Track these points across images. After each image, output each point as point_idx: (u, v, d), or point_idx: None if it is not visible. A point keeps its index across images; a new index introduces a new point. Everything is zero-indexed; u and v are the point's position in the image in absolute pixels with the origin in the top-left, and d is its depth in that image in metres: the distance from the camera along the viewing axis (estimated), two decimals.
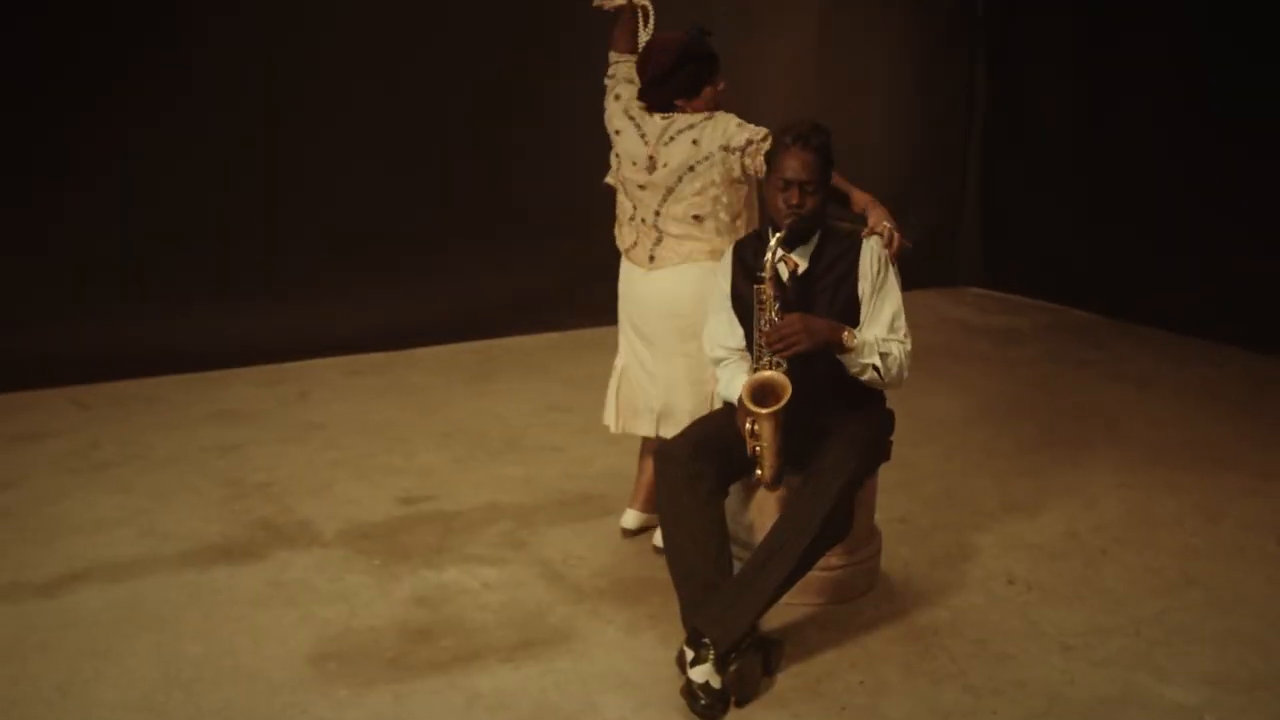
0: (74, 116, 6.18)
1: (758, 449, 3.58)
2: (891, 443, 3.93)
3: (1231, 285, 7.65)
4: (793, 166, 3.64)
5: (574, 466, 5.27)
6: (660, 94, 4.14)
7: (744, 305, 3.77)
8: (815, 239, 3.79)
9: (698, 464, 3.60)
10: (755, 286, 3.62)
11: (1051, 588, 4.14)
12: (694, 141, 4.04)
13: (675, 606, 3.58)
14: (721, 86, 4.22)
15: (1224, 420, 6.13)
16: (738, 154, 3.99)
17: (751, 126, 4.01)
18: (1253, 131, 7.39)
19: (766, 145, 3.90)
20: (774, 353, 3.55)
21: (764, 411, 3.49)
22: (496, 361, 7.09)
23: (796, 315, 3.55)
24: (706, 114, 4.12)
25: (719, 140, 4.02)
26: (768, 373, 3.57)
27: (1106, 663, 3.63)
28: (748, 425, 3.57)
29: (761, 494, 3.92)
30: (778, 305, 3.57)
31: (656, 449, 3.73)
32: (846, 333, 3.60)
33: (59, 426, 5.75)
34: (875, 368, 3.65)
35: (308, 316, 7.02)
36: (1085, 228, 8.72)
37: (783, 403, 3.48)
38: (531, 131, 7.30)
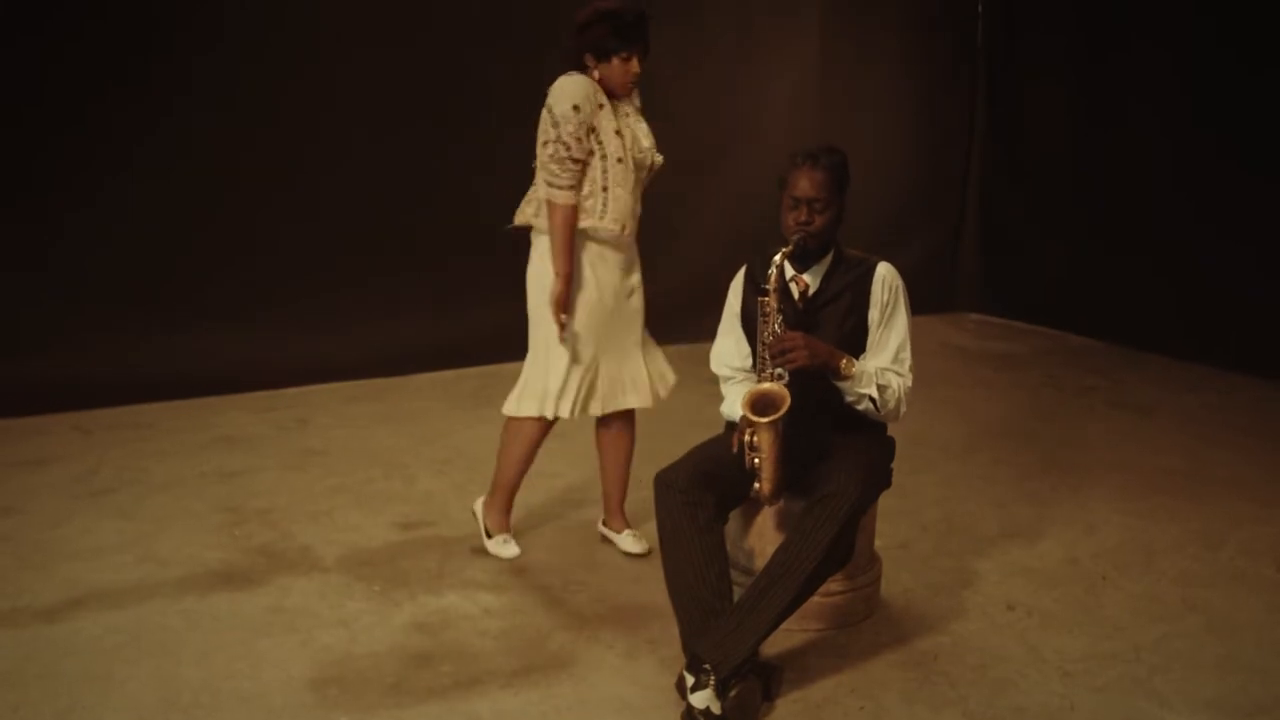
0: (75, 142, 6.21)
1: (756, 461, 3.59)
2: (892, 470, 3.93)
3: (1232, 311, 7.67)
4: (802, 185, 3.69)
5: (573, 492, 5.27)
6: (575, 45, 4.26)
7: (753, 324, 3.79)
8: (828, 261, 3.81)
9: (697, 491, 3.60)
10: (759, 299, 3.65)
11: (1052, 614, 4.13)
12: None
13: (675, 632, 3.58)
14: (634, 68, 4.28)
15: (1225, 447, 6.13)
16: None
17: None
18: (1253, 157, 7.42)
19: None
20: (774, 363, 3.58)
21: (763, 421, 3.50)
22: (496, 387, 7.01)
23: (799, 332, 3.59)
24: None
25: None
26: (768, 384, 3.58)
27: (1107, 689, 3.62)
28: (747, 437, 3.58)
29: (762, 520, 3.92)
30: (781, 318, 3.60)
31: (656, 475, 3.72)
32: (845, 360, 3.63)
33: (60, 452, 5.76)
34: (871, 399, 3.67)
35: (307, 343, 7.04)
36: (1085, 253, 8.76)
37: (782, 412, 3.50)
38: (530, 157, 7.31)
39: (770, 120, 8.58)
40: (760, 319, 3.66)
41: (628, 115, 4.35)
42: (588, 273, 4.31)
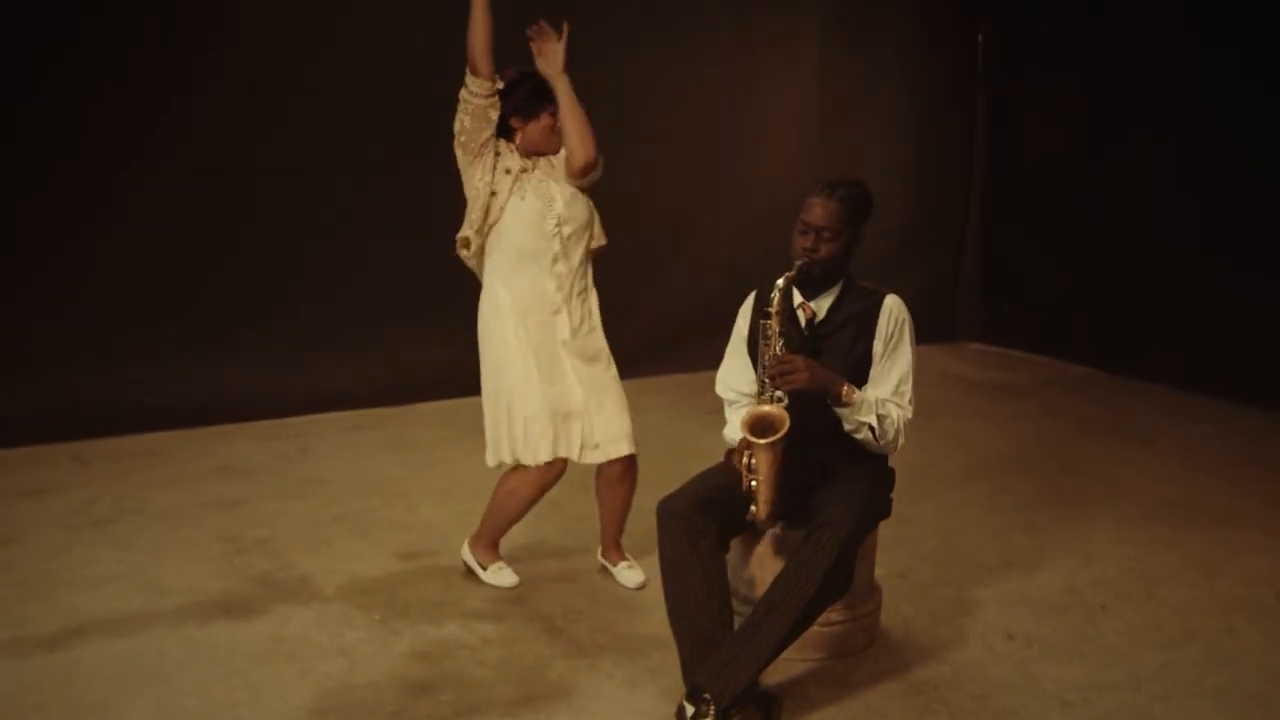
0: (74, 170, 6.25)
1: (754, 483, 3.59)
2: (891, 499, 3.93)
3: (1233, 340, 7.67)
4: (814, 212, 3.72)
5: (573, 522, 5.26)
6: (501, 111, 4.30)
7: (759, 349, 3.80)
8: (837, 290, 3.83)
9: (700, 519, 3.60)
10: (762, 321, 3.67)
11: (1052, 643, 4.13)
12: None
13: (675, 661, 3.58)
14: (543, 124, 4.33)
15: (1225, 476, 6.13)
16: None
17: None
18: (1256, 187, 7.44)
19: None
20: (775, 384, 3.59)
21: (762, 442, 3.51)
22: None
23: (801, 356, 3.60)
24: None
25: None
26: (768, 407, 3.59)
27: (1107, 718, 3.62)
28: (745, 458, 3.58)
29: (762, 548, 3.92)
30: (783, 340, 3.62)
31: (659, 504, 3.72)
32: (847, 387, 3.64)
33: (59, 482, 5.76)
34: (871, 428, 3.67)
35: (308, 372, 7.05)
36: (1085, 283, 8.77)
37: (781, 434, 3.51)
38: None
39: (770, 149, 8.62)
40: (762, 341, 3.68)
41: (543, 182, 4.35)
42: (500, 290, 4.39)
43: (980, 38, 9.53)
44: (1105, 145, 8.52)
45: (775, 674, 3.72)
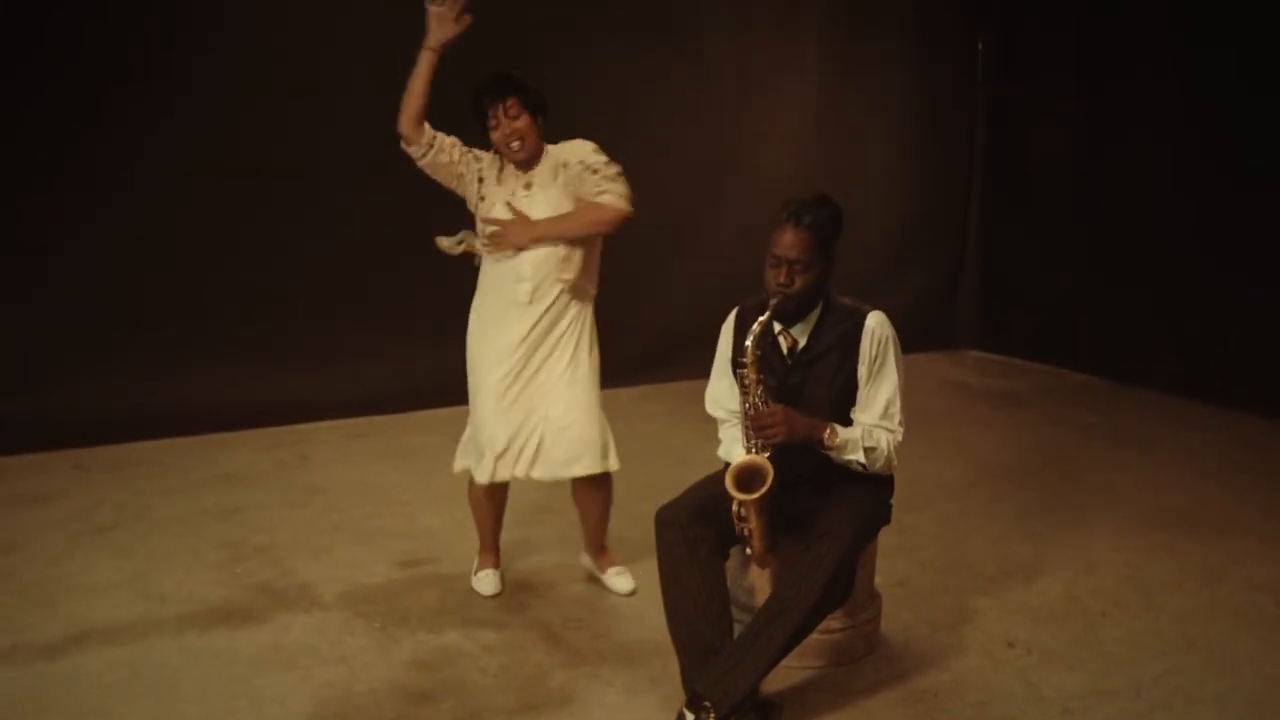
0: (74, 176, 6.25)
1: (746, 530, 3.60)
2: (891, 506, 3.93)
3: (1233, 347, 7.68)
4: (782, 244, 3.60)
5: (572, 530, 5.24)
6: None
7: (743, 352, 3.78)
8: (816, 315, 3.75)
9: (698, 527, 3.61)
10: (737, 370, 3.65)
11: (1052, 651, 4.13)
12: None
13: (675, 669, 3.59)
14: (500, 130, 4.27)
15: (1225, 484, 6.13)
16: None
17: None
18: (1257, 196, 7.44)
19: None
20: (755, 438, 3.58)
21: (749, 498, 3.50)
22: None
23: (781, 407, 3.56)
24: None
25: None
26: (750, 457, 3.57)
27: None
28: (735, 507, 3.57)
29: None
30: (760, 389, 3.59)
31: (657, 513, 3.71)
32: (828, 431, 3.59)
33: (60, 489, 5.76)
34: (860, 462, 3.66)
35: (308, 380, 7.05)
36: (1085, 290, 8.76)
37: (765, 488, 3.49)
38: None
39: (769, 158, 8.62)
40: (740, 389, 3.65)
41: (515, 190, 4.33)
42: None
43: (980, 46, 9.53)
44: (1105, 149, 8.50)
45: (775, 681, 3.72)
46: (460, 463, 4.51)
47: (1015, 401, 8.09)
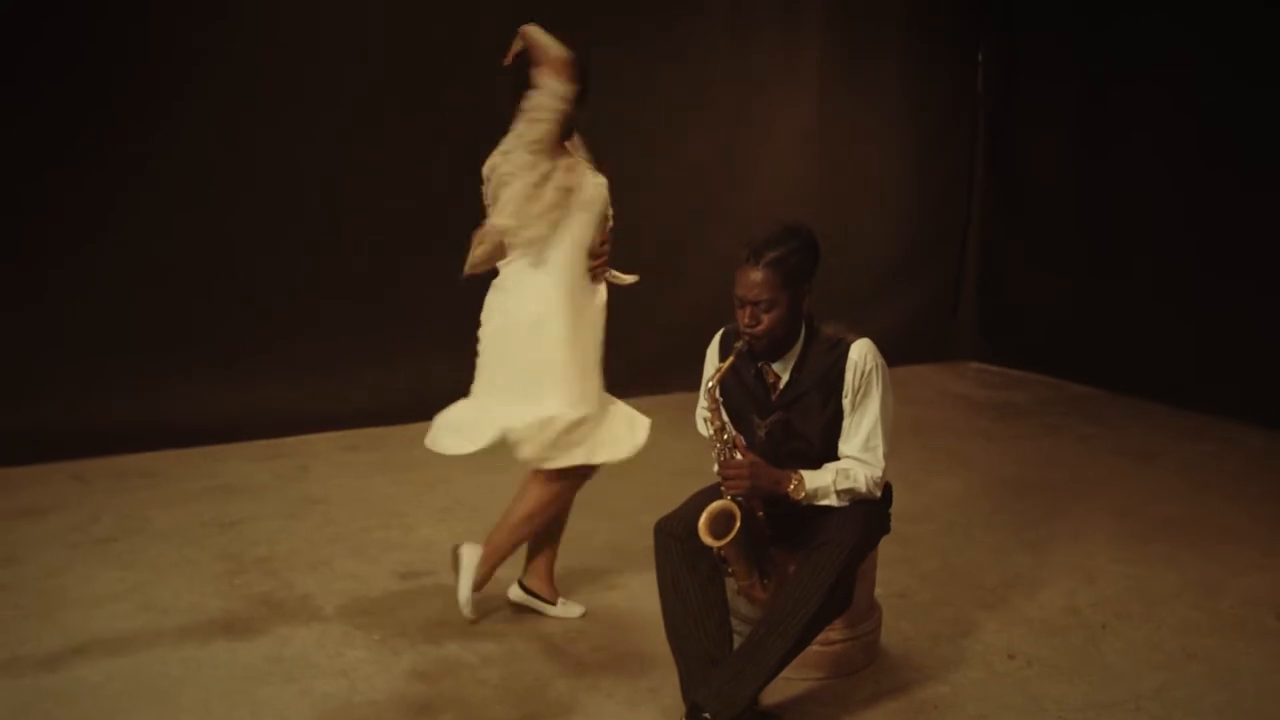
0: (73, 188, 6.25)
1: (730, 571, 3.60)
2: (890, 516, 3.93)
3: (1233, 359, 7.68)
4: (743, 284, 3.53)
5: (572, 541, 5.23)
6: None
7: (727, 394, 3.75)
8: (798, 349, 3.68)
9: (697, 539, 3.60)
10: (704, 418, 3.65)
11: (1052, 663, 4.13)
12: None
13: (676, 680, 3.58)
14: None
15: (1225, 495, 6.13)
16: None
17: None
18: (1258, 206, 7.46)
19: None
20: (723, 486, 3.56)
21: (719, 544, 3.48)
22: None
23: (748, 460, 3.53)
24: None
25: None
26: (719, 503, 3.54)
27: None
28: (716, 552, 3.54)
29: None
30: (728, 434, 3.57)
31: (656, 524, 3.71)
32: (793, 485, 3.55)
33: (59, 501, 5.76)
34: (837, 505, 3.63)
35: (306, 391, 7.05)
36: (1085, 301, 8.78)
37: (733, 533, 3.46)
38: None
39: (770, 166, 8.63)
40: (710, 433, 3.61)
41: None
42: None
43: (980, 55, 9.56)
44: (1106, 158, 8.52)
45: (775, 693, 3.72)
46: (568, 456, 4.20)
47: (1016, 413, 8.09)
